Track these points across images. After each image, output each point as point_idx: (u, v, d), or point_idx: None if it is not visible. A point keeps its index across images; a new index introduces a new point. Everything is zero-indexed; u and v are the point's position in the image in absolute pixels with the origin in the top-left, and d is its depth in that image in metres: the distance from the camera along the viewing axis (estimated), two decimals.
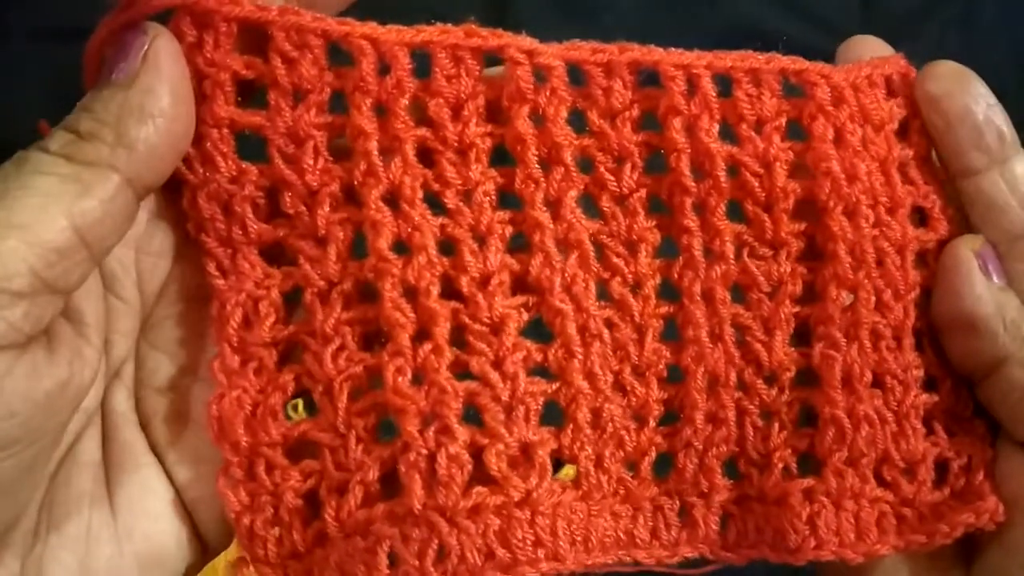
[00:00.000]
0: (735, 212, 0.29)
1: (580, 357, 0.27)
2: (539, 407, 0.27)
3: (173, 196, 0.29)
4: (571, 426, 0.27)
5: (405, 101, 0.26)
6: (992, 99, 0.31)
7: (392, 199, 0.27)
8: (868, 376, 0.29)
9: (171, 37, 0.27)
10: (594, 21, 0.63)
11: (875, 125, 0.29)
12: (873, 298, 0.29)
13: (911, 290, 0.29)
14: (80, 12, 0.59)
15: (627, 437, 0.28)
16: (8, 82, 0.55)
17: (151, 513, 0.29)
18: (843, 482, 0.29)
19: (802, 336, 0.29)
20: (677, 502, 0.29)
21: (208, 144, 0.27)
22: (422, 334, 0.26)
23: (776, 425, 0.29)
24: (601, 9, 0.63)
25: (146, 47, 0.26)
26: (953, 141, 0.30)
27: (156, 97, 0.26)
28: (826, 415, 0.29)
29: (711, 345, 0.28)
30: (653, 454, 0.29)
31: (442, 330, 0.26)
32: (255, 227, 0.27)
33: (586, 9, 0.63)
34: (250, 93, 0.28)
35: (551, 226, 0.27)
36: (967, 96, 0.30)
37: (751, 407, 0.29)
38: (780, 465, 0.29)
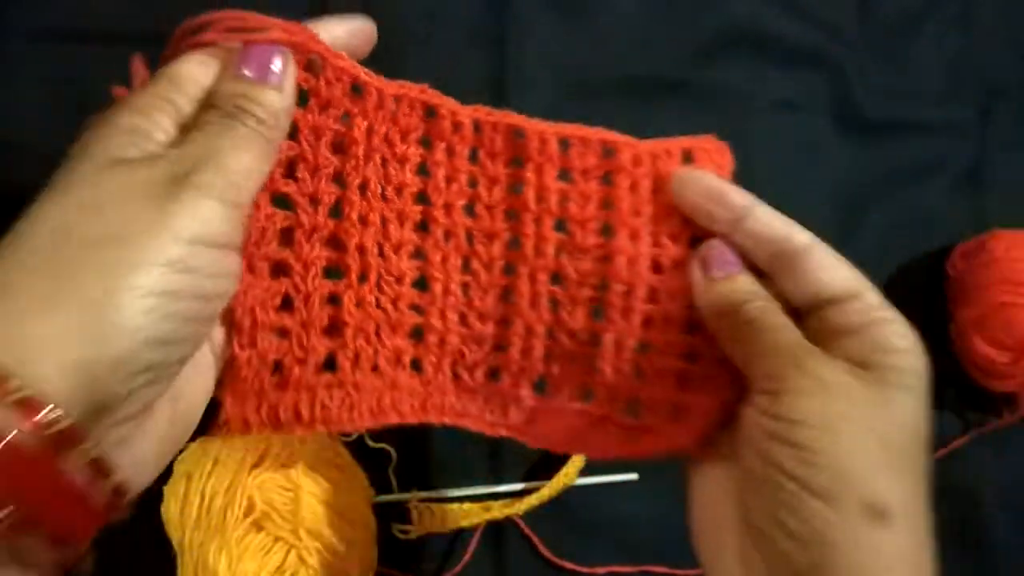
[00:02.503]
0: (560, 227, 0.43)
1: (439, 304, 0.43)
2: (410, 328, 0.43)
3: None
4: (424, 342, 0.43)
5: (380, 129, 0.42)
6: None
7: (363, 186, 0.42)
8: (632, 343, 0.43)
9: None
10: (592, 21, 0.63)
11: (664, 179, 0.42)
12: (646, 290, 0.42)
13: (679, 291, 0.42)
14: (79, 13, 0.59)
15: (467, 352, 0.43)
16: (7, 82, 0.55)
17: (194, 375, 0.36)
18: (603, 408, 0.43)
19: (597, 311, 0.43)
20: (499, 399, 0.44)
21: None
22: (363, 276, 0.42)
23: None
24: (600, 9, 0.63)
25: (284, 67, 0.36)
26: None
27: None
28: (602, 365, 0.43)
29: (528, 308, 0.43)
30: (485, 367, 0.44)
31: (375, 275, 0.42)
32: (271, 180, 0.40)
33: (584, 9, 0.63)
34: None
35: (443, 220, 0.43)
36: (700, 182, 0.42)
37: (556, 350, 0.44)
38: (568, 392, 0.44)
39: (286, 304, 0.41)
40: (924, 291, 0.64)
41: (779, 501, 0.33)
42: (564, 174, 0.43)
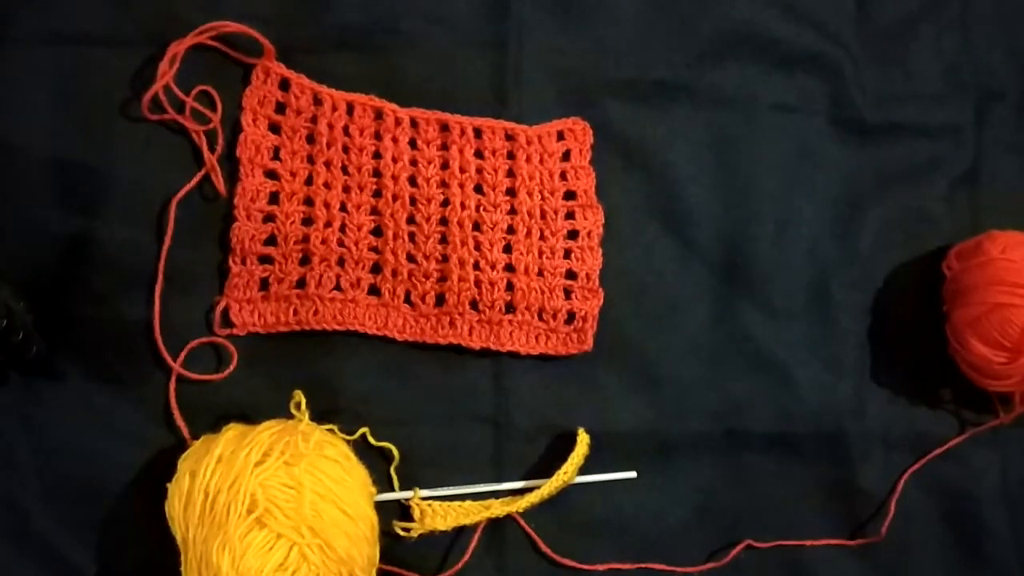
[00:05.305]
0: (478, 190, 0.58)
1: (391, 246, 0.57)
2: (370, 265, 0.58)
3: None
4: (381, 274, 0.58)
5: (342, 124, 0.59)
6: None
7: (328, 163, 0.58)
8: (534, 268, 0.58)
9: None
10: (592, 25, 0.63)
11: (549, 153, 0.58)
12: (538, 232, 0.58)
13: (560, 230, 0.58)
14: (86, 17, 0.59)
15: (416, 283, 0.58)
16: (13, 85, 0.56)
17: None
18: (522, 317, 0.58)
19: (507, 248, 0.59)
20: (448, 317, 0.58)
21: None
22: (328, 224, 0.58)
23: (495, 288, 0.58)
24: (599, 14, 0.63)
25: None
26: None
27: None
28: (516, 285, 0.58)
29: (459, 247, 0.57)
30: (433, 294, 0.58)
31: (338, 224, 0.57)
32: (262, 161, 0.59)
33: (584, 13, 0.63)
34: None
35: (392, 188, 0.57)
36: None
37: (482, 277, 0.58)
38: (498, 307, 0.58)
39: (273, 241, 0.57)
40: (920, 291, 0.64)
41: None
42: (479, 153, 0.58)
